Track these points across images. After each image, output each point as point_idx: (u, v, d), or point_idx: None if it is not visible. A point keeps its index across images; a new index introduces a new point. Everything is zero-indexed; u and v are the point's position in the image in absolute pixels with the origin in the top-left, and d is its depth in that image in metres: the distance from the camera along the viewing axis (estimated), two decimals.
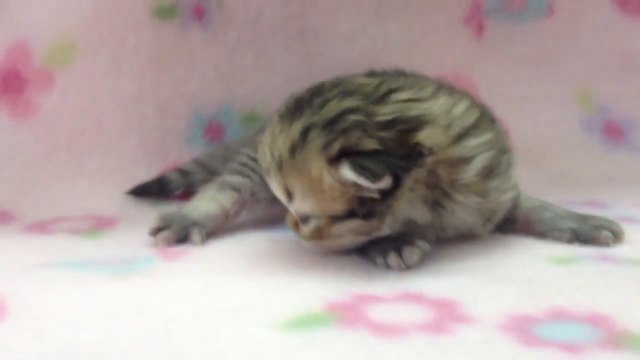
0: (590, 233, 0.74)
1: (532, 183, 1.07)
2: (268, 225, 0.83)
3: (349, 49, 1.09)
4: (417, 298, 0.58)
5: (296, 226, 0.68)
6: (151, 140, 1.03)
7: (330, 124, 0.61)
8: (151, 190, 0.98)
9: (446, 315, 0.54)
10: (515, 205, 0.78)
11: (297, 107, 0.65)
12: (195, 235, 0.76)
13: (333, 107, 0.63)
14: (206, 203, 0.81)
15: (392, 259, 0.65)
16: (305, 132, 0.62)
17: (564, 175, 1.12)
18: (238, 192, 0.82)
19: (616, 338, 0.49)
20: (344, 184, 0.61)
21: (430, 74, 1.11)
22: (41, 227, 0.85)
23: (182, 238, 0.76)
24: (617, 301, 0.57)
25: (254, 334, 0.51)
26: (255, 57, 1.05)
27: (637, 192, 1.01)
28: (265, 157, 0.66)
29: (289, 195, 0.65)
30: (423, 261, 0.67)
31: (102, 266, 0.68)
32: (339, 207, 0.63)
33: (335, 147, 0.61)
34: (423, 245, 0.67)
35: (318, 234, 0.66)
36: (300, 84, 0.92)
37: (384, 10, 1.10)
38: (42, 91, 1.00)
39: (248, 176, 0.82)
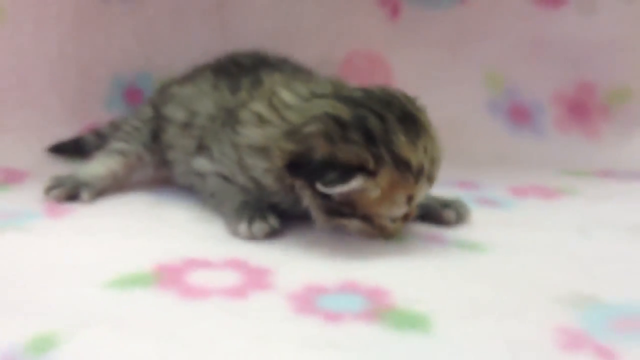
0: (436, 211, 0.82)
1: None
2: (155, 188, 0.91)
3: (263, 24, 1.15)
4: (239, 265, 0.66)
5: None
6: (72, 102, 1.10)
7: None
8: (69, 149, 1.06)
9: (252, 282, 0.62)
10: None
11: (409, 118, 0.70)
12: (84, 193, 0.85)
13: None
14: (96, 166, 0.89)
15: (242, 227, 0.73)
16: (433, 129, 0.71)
17: (458, 154, 1.19)
18: (125, 157, 0.90)
19: (379, 310, 0.57)
20: None
21: (343, 52, 1.19)
22: None
23: (73, 196, 0.85)
24: (404, 279, 0.64)
25: (78, 291, 0.59)
26: (172, 27, 1.12)
27: (521, 175, 1.07)
28: (430, 166, 0.70)
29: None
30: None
31: None
32: None
33: None
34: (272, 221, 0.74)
35: None
36: (215, 54, 1.00)
37: None
38: None
39: (134, 142, 0.90)
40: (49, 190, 0.84)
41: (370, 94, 0.72)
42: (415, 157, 0.68)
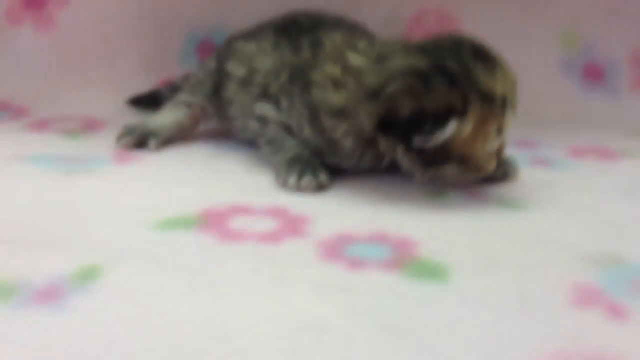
0: None
1: None
2: (217, 139, 0.96)
3: None
4: (280, 213, 0.70)
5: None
6: (150, 56, 1.16)
7: None
8: (146, 102, 1.12)
9: (288, 229, 0.66)
10: None
11: (481, 53, 0.72)
12: (151, 142, 0.91)
13: None
14: (164, 116, 0.95)
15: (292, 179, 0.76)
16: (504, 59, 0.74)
17: (526, 113, 1.17)
18: (190, 108, 0.95)
19: (402, 260, 0.60)
20: None
21: (411, 10, 1.19)
22: (42, 124, 1.02)
23: (142, 144, 0.91)
24: (434, 232, 0.66)
25: (126, 230, 0.64)
26: None
27: (585, 136, 1.05)
28: (512, 94, 0.73)
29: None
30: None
31: (62, 163, 0.82)
32: None
33: None
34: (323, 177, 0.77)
35: None
36: (285, 11, 1.03)
37: None
38: (60, 8, 1.14)
39: (197, 95, 0.95)
40: (120, 138, 0.91)
41: (439, 42, 0.74)
42: (497, 87, 0.70)
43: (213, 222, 0.67)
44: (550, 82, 1.22)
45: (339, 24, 0.90)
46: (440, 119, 0.68)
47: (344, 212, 0.71)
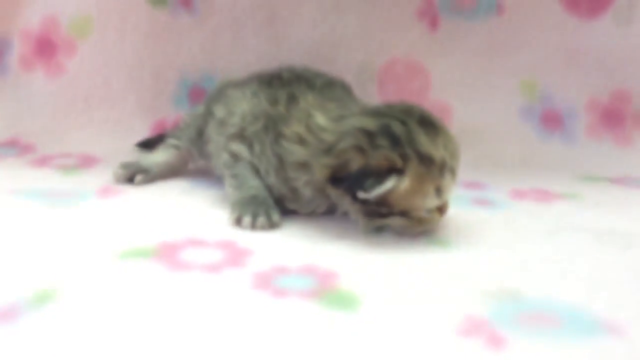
0: None
1: None
2: (195, 176, 1.03)
3: (311, 34, 1.23)
4: (228, 245, 0.75)
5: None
6: (147, 99, 1.24)
7: None
8: (154, 144, 1.19)
9: (231, 261, 0.71)
10: None
11: (427, 121, 0.77)
12: (137, 177, 0.98)
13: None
14: (155, 156, 1.03)
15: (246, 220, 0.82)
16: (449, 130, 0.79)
17: (486, 157, 1.22)
18: (177, 149, 1.03)
19: (322, 290, 0.65)
20: None
21: (382, 59, 1.25)
22: (43, 160, 1.09)
23: (132, 179, 0.98)
24: (359, 266, 0.71)
25: (94, 259, 0.70)
26: (232, 37, 1.22)
27: (531, 179, 1.09)
28: (451, 161, 0.77)
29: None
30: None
31: (50, 197, 0.89)
32: None
33: None
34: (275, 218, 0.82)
35: None
36: (270, 62, 1.11)
37: (343, 3, 1.23)
38: (68, 56, 1.22)
39: (183, 138, 1.03)
40: (115, 172, 0.98)
41: (392, 106, 0.81)
42: (436, 152, 0.75)
43: (166, 253, 0.72)
44: (510, 127, 1.27)
45: (316, 79, 0.95)
46: (381, 175, 0.74)
47: (285, 246, 0.77)
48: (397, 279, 0.69)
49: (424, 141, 0.75)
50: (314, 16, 1.22)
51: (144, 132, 1.23)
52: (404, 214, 0.77)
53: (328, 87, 0.94)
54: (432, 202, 0.77)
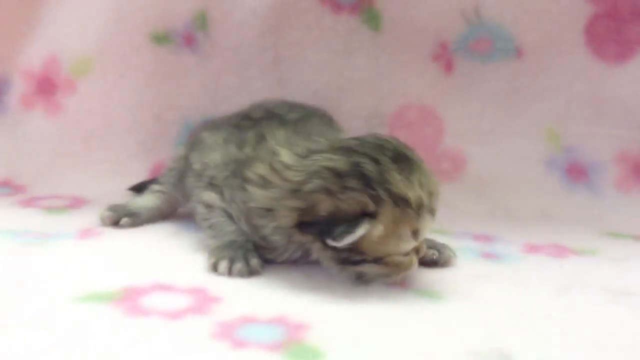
0: None
1: (470, 210, 1.15)
2: (185, 221, 1.00)
3: (317, 77, 1.21)
4: (198, 292, 0.71)
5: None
6: (147, 141, 1.22)
7: None
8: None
9: (196, 308, 0.67)
10: None
11: (402, 157, 0.73)
12: (123, 219, 0.95)
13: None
14: (144, 200, 1.01)
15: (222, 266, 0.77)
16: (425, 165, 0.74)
17: (503, 209, 1.17)
18: (164, 194, 1.01)
19: (287, 343, 0.60)
20: None
21: (393, 105, 1.22)
22: (31, 201, 1.07)
23: (118, 222, 0.96)
24: (334, 317, 0.66)
25: (49, 302, 0.66)
26: (236, 79, 1.21)
27: (549, 233, 1.03)
28: (429, 199, 0.72)
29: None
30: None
31: (25, 237, 0.87)
32: None
33: None
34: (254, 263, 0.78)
35: None
36: None
37: (352, 45, 1.20)
38: (68, 95, 1.22)
39: (166, 183, 1.01)
40: (102, 214, 0.96)
41: (363, 141, 0.75)
42: (412, 192, 0.70)
43: (129, 297, 0.69)
44: (531, 178, 1.21)
45: (293, 117, 0.92)
46: (352, 221, 0.69)
47: (260, 294, 0.72)
48: (372, 334, 0.63)
49: (398, 181, 0.70)
50: (320, 58, 1.21)
51: (143, 175, 1.21)
52: (378, 260, 0.72)
53: (303, 120, 0.91)
54: (409, 245, 0.73)
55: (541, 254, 0.92)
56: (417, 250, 0.75)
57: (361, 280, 0.75)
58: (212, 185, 0.86)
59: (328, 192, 0.70)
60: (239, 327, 0.63)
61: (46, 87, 1.22)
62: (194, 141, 0.98)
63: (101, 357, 0.56)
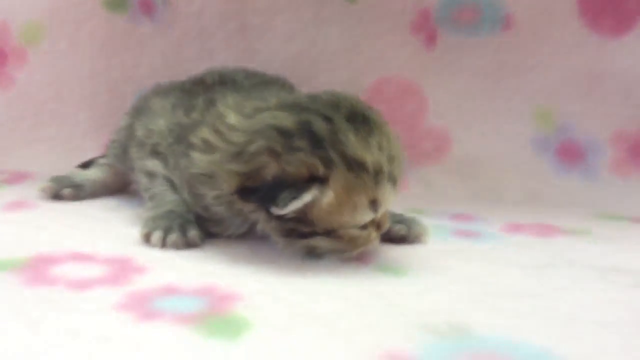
0: None
1: (453, 192, 1.06)
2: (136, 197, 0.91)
3: (287, 48, 1.12)
4: (119, 262, 0.62)
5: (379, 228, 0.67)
6: (101, 116, 1.14)
7: None
8: None
9: (110, 279, 0.58)
10: None
11: (359, 117, 0.63)
12: (65, 190, 0.88)
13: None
14: (90, 173, 0.93)
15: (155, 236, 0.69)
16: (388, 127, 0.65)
17: (488, 191, 1.08)
18: (109, 167, 0.94)
19: (207, 315, 0.51)
20: None
21: (370, 79, 1.13)
22: None
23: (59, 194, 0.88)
24: (269, 289, 0.57)
25: None
26: (199, 49, 1.13)
27: (534, 214, 0.94)
28: (389, 165, 0.63)
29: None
30: None
31: None
32: None
33: None
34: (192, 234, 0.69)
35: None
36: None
37: (324, 14, 1.12)
38: (19, 66, 1.14)
39: (111, 155, 0.94)
40: (42, 185, 0.88)
41: (316, 98, 0.66)
42: (369, 155, 0.61)
43: (36, 266, 0.60)
44: (519, 160, 1.12)
45: (250, 83, 0.84)
46: (299, 185, 0.60)
47: (192, 266, 0.63)
48: (313, 307, 0.54)
49: (352, 142, 0.61)
50: (290, 27, 1.12)
51: (96, 152, 1.12)
52: (330, 233, 0.63)
53: (260, 86, 0.82)
54: (365, 216, 0.63)
55: (523, 233, 0.83)
56: (377, 224, 0.66)
57: (312, 255, 0.66)
58: (155, 152, 0.78)
59: (272, 153, 0.61)
60: (155, 299, 0.54)
61: None
62: (140, 108, 0.89)
63: None
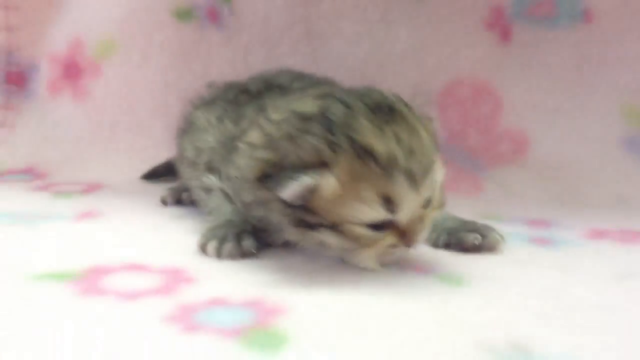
0: (457, 234, 0.70)
1: (532, 197, 1.01)
2: None
3: (354, 51, 1.10)
4: (172, 272, 0.62)
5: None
6: (173, 125, 1.15)
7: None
8: (160, 173, 1.10)
9: (162, 289, 0.57)
10: None
11: (384, 107, 0.59)
12: (184, 195, 0.91)
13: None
14: None
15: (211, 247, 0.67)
16: (412, 112, 0.60)
17: (570, 196, 1.01)
18: None
19: (251, 328, 0.49)
20: None
21: (441, 81, 1.09)
22: (47, 187, 1.02)
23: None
24: (320, 302, 0.55)
25: (9, 280, 0.59)
26: (265, 56, 1.12)
27: (620, 218, 0.88)
28: (407, 160, 0.57)
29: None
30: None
31: (20, 216, 0.81)
32: None
33: None
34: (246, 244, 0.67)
35: (443, 202, 0.64)
36: None
37: (391, 15, 1.09)
38: (94, 79, 1.17)
39: None
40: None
41: (352, 89, 0.64)
42: (381, 144, 0.56)
43: (90, 277, 0.60)
44: (606, 161, 1.05)
45: (298, 86, 0.82)
46: (306, 170, 0.57)
47: (244, 276, 0.62)
48: (361, 320, 0.51)
49: (364, 128, 0.56)
50: (356, 30, 1.10)
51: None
52: (335, 227, 0.58)
53: (309, 88, 0.80)
54: (374, 213, 0.57)
55: (608, 240, 0.76)
56: (402, 233, 0.60)
57: (324, 252, 0.62)
58: (210, 169, 0.78)
59: (290, 138, 0.59)
60: (202, 310, 0.53)
61: (72, 71, 1.18)
62: (184, 124, 0.89)
63: (29, 335, 0.47)
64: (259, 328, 0.49)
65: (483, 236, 0.70)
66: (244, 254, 0.67)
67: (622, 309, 0.54)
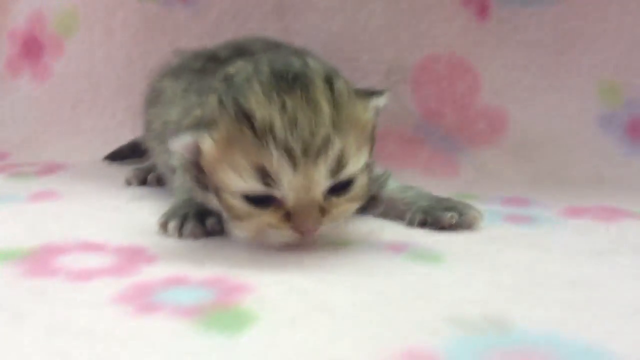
0: (435, 213, 0.68)
1: (509, 175, 0.98)
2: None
3: (327, 27, 1.06)
4: (130, 252, 0.58)
5: (322, 212, 0.56)
6: (138, 105, 1.10)
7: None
8: (125, 154, 1.06)
9: (116, 269, 0.54)
10: (380, 185, 0.73)
11: (282, 77, 0.55)
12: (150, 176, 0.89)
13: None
14: None
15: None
16: (330, 86, 0.56)
17: (549, 174, 0.99)
18: None
19: (211, 307, 0.46)
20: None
21: (417, 56, 1.06)
22: (3, 168, 0.98)
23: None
24: (283, 280, 0.52)
25: None
26: (235, 31, 1.08)
27: (609, 196, 0.86)
28: (300, 139, 0.53)
29: (340, 163, 0.55)
30: None
31: None
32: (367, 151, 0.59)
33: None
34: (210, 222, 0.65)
35: (362, 194, 0.60)
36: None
37: None
38: (55, 57, 1.12)
39: None
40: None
41: (280, 54, 0.63)
42: (262, 110, 0.53)
43: (39, 257, 0.57)
44: (583, 139, 1.02)
45: (266, 50, 0.78)
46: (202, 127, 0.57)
47: (206, 255, 0.59)
48: (329, 297, 0.48)
49: (252, 92, 0.53)
50: (329, 4, 1.06)
51: None
52: (218, 192, 0.57)
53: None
54: (248, 184, 0.54)
55: (585, 217, 0.74)
56: (288, 214, 0.55)
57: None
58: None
59: (206, 97, 0.59)
60: (159, 290, 0.50)
61: (32, 48, 1.12)
62: (152, 93, 0.85)
63: None
64: (220, 307, 0.46)
65: (460, 214, 0.67)
66: (207, 233, 0.64)
67: (599, 284, 0.51)
